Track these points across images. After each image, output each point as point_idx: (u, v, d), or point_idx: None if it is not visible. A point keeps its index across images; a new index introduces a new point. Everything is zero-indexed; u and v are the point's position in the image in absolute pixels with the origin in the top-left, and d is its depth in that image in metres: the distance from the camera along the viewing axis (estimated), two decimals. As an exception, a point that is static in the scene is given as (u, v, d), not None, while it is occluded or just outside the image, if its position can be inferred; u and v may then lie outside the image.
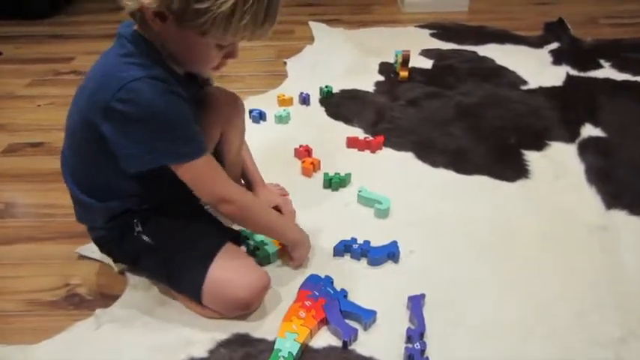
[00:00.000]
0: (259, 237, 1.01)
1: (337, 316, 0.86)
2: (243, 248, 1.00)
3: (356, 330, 0.85)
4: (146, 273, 0.95)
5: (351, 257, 1.02)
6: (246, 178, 1.12)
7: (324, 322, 0.87)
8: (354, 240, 1.03)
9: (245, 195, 0.91)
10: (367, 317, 0.87)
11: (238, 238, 0.97)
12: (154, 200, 0.87)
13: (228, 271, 0.86)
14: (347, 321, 0.86)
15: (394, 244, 1.02)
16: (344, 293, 0.92)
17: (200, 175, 0.82)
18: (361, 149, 1.36)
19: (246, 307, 0.87)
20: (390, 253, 1.01)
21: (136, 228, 0.88)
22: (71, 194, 0.90)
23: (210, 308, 0.87)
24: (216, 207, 0.86)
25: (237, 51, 0.82)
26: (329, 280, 0.94)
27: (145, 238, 0.87)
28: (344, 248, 1.02)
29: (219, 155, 1.03)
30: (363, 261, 1.01)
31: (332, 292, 0.91)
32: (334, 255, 1.02)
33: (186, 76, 0.86)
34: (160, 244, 0.88)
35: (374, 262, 1.00)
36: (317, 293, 0.90)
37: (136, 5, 0.73)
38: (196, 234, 0.89)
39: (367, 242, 1.02)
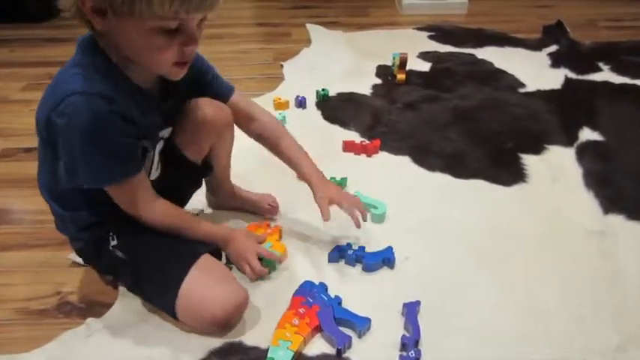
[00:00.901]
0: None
1: (331, 324, 0.85)
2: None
3: (350, 337, 0.84)
4: (124, 286, 0.93)
5: (346, 263, 1.01)
6: (304, 177, 1.02)
7: (317, 329, 0.86)
8: (348, 245, 1.02)
9: (162, 216, 0.87)
10: (362, 325, 0.86)
11: (218, 252, 0.94)
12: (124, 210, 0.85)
13: (202, 287, 0.83)
14: (341, 328, 0.85)
15: (389, 249, 1.01)
16: (338, 300, 0.91)
17: (122, 194, 0.82)
18: (357, 153, 1.35)
19: (222, 326, 0.84)
20: (385, 259, 1.00)
21: (111, 242, 0.87)
22: (47, 203, 0.89)
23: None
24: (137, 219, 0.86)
25: (195, 36, 0.74)
26: (323, 287, 0.93)
27: (118, 253, 0.87)
28: (339, 254, 1.01)
29: (208, 163, 1.03)
30: (358, 267, 1.00)
31: (326, 298, 0.90)
32: (329, 261, 1.01)
33: (162, 85, 0.85)
34: (134, 259, 0.86)
35: (369, 268, 0.99)
36: (311, 300, 0.89)
37: (69, 2, 0.71)
38: (170, 248, 0.87)
39: (362, 248, 1.01)
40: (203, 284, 0.84)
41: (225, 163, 1.08)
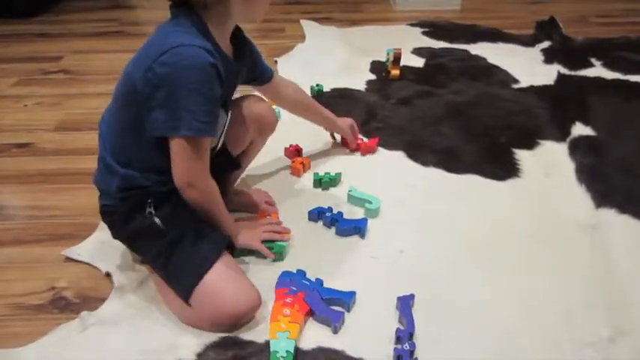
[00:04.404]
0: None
1: (322, 305, 0.87)
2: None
3: (343, 313, 0.87)
4: (142, 254, 0.93)
5: (323, 224, 1.08)
6: (325, 120, 1.26)
7: (309, 314, 0.87)
8: (329, 209, 1.09)
9: (212, 189, 0.90)
10: (349, 299, 0.89)
11: (232, 246, 0.95)
12: (172, 183, 0.86)
13: (224, 279, 0.85)
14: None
15: (364, 220, 1.07)
16: (320, 282, 0.92)
17: (188, 153, 0.82)
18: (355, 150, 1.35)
19: (232, 321, 0.85)
20: (356, 227, 1.05)
21: (148, 208, 0.87)
22: (99, 153, 0.91)
23: (192, 311, 0.85)
24: (182, 189, 0.86)
25: None
26: (302, 273, 0.94)
27: (156, 220, 0.87)
28: (317, 214, 1.09)
29: (238, 162, 1.07)
30: (352, 260, 1.00)
31: (308, 283, 0.91)
32: (309, 219, 1.09)
33: (233, 54, 0.90)
34: (170, 230, 0.87)
35: (341, 232, 1.05)
36: (294, 288, 0.90)
37: None
38: (205, 233, 0.88)
39: (340, 213, 1.09)
40: (227, 276, 0.85)
41: (246, 165, 1.13)
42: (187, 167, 0.84)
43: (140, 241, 0.91)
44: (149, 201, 0.87)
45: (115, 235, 0.95)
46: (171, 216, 0.88)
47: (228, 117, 0.94)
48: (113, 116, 0.88)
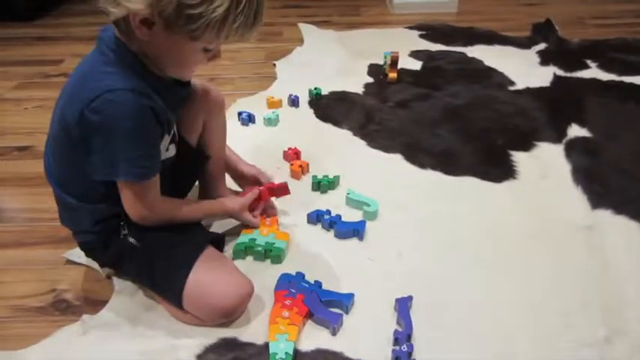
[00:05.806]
0: (262, 240, 1.02)
1: (320, 307, 0.88)
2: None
3: (342, 315, 0.88)
4: (129, 276, 0.94)
5: (322, 227, 1.09)
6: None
7: (308, 316, 0.88)
8: (327, 211, 1.10)
9: (165, 211, 0.89)
10: (347, 300, 0.89)
11: (220, 242, 0.97)
12: None
13: (210, 276, 0.85)
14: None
15: (362, 222, 1.08)
16: (319, 284, 0.93)
17: (134, 192, 0.82)
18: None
19: (227, 315, 0.86)
20: (355, 230, 1.06)
21: (122, 231, 0.88)
22: (56, 197, 0.90)
23: (191, 314, 0.86)
24: (138, 222, 0.86)
25: (220, 54, 0.83)
26: (301, 276, 0.95)
27: (130, 239, 0.88)
28: (316, 217, 1.10)
29: (203, 153, 1.04)
30: (351, 262, 1.01)
31: (307, 285, 0.92)
32: (307, 222, 1.10)
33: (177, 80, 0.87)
34: (145, 245, 0.88)
35: (339, 235, 1.06)
36: (293, 290, 0.91)
37: (122, 12, 0.71)
38: (180, 238, 0.89)
39: (338, 216, 1.09)
40: (211, 273, 0.86)
41: (217, 155, 1.07)
42: (135, 206, 0.84)
43: (122, 264, 0.91)
44: (122, 223, 0.88)
45: (102, 264, 0.96)
46: (144, 231, 0.88)
47: (171, 134, 0.91)
48: (59, 157, 0.86)
